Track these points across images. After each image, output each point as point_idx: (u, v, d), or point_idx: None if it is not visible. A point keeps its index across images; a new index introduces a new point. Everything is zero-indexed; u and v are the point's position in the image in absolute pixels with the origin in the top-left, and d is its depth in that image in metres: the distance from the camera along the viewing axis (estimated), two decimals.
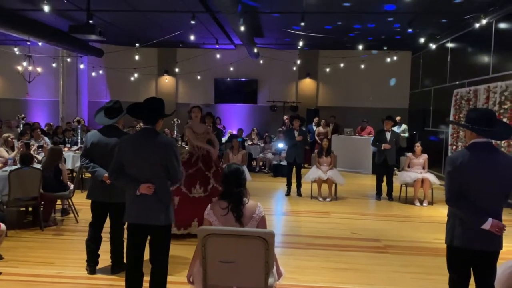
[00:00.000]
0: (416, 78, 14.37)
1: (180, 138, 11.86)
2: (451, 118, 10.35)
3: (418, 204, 8.20)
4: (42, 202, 6.09)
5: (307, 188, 8.73)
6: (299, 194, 8.78)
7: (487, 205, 2.94)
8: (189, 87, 15.97)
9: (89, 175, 9.22)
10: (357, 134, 12.99)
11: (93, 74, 15.01)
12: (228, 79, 15.58)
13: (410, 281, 4.51)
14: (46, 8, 8.16)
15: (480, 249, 2.97)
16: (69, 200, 6.52)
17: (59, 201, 6.67)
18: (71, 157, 8.77)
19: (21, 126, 10.85)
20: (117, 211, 4.15)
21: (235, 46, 14.49)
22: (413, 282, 4.48)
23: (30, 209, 6.52)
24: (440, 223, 6.53)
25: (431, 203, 8.26)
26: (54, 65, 14.12)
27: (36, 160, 7.21)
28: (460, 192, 2.97)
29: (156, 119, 3.47)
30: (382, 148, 8.39)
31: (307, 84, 15.52)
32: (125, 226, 3.88)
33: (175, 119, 13.11)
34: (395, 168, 11.96)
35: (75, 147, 9.70)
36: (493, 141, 3.19)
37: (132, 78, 14.95)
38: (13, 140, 7.79)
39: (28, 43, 12.27)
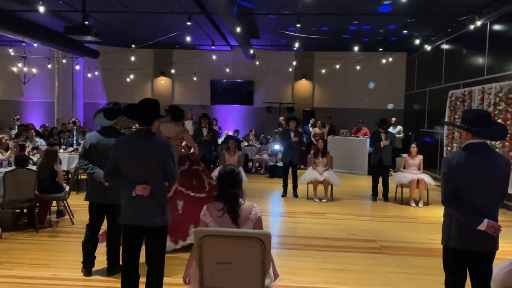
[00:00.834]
0: (411, 79, 14.44)
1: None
2: (446, 119, 10.41)
3: (413, 204, 8.23)
4: (37, 204, 6.06)
5: (303, 189, 8.74)
6: (295, 195, 8.79)
7: (483, 205, 2.96)
8: (185, 88, 15.95)
9: (85, 176, 9.24)
10: (352, 135, 13.02)
11: (89, 75, 14.96)
12: (224, 80, 15.58)
13: (406, 281, 4.53)
14: (41, 9, 8.14)
15: (476, 250, 2.99)
16: (65, 202, 6.49)
17: (54, 203, 6.64)
18: (66, 159, 8.74)
19: (16, 127, 10.79)
20: (114, 212, 4.12)
21: (231, 47, 14.49)
22: (408, 283, 4.49)
23: (25, 210, 6.48)
24: (436, 224, 6.57)
25: (426, 203, 8.29)
26: (49, 66, 14.07)
27: (31, 162, 7.18)
28: (456, 193, 2.98)
29: (152, 120, 3.47)
30: (382, 145, 8.42)
31: (303, 85, 15.55)
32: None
33: None
34: (390, 169, 12.02)
35: (70, 149, 9.66)
36: (488, 142, 3.21)
37: (128, 79, 14.92)
38: (7, 141, 7.75)
39: (23, 44, 12.22)
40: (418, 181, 8.16)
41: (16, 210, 6.52)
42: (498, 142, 7.88)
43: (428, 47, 12.14)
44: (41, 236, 5.76)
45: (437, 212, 7.58)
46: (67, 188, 6.49)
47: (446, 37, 11.23)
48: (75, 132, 10.32)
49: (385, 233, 6.31)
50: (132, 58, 13.66)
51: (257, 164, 12.67)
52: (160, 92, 15.86)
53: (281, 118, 14.21)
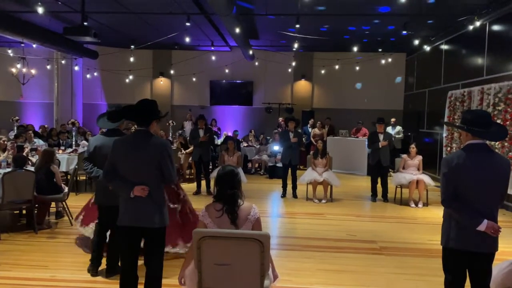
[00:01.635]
0: (410, 80, 14.44)
1: (174, 141, 11.84)
2: (446, 120, 10.41)
3: (413, 205, 8.22)
4: (36, 205, 6.05)
5: (303, 190, 8.73)
6: (294, 196, 8.78)
7: (482, 206, 2.95)
8: (185, 89, 15.95)
9: (84, 178, 9.23)
10: (352, 136, 13.02)
11: (88, 76, 14.95)
12: (224, 81, 15.58)
13: (405, 282, 4.52)
14: (40, 10, 8.12)
15: (475, 251, 2.98)
16: (64, 203, 6.48)
17: (53, 204, 6.63)
18: (65, 160, 8.73)
19: (15, 128, 10.78)
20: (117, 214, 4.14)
21: (230, 48, 14.49)
22: (408, 284, 4.48)
23: (24, 212, 6.47)
24: (435, 225, 6.57)
25: (426, 204, 8.28)
26: (48, 67, 14.05)
27: (30, 163, 7.16)
28: (456, 193, 2.98)
29: (150, 120, 3.45)
30: (380, 146, 8.41)
31: (302, 86, 15.55)
32: None
33: (170, 121, 13.09)
34: (390, 170, 12.02)
35: (69, 149, 9.65)
36: (487, 142, 3.20)
37: (127, 80, 14.92)
38: (5, 142, 7.74)
39: (22, 45, 12.20)
40: (417, 181, 8.16)
41: (15, 211, 6.51)
42: (498, 142, 7.88)
43: (427, 48, 12.14)
44: (40, 238, 5.75)
45: (437, 213, 7.58)
46: (66, 189, 6.48)
47: (445, 37, 11.23)
48: (74, 133, 10.30)
49: (385, 234, 6.30)
50: (131, 59, 13.66)
51: (256, 165, 12.66)
52: (160, 93, 15.85)
53: (280, 118, 14.20)
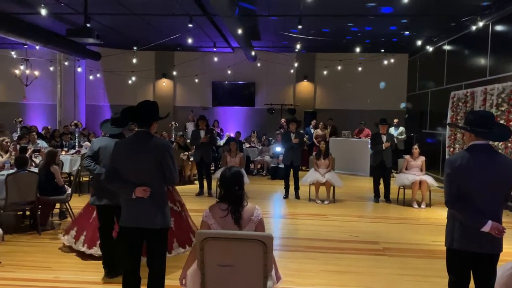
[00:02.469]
0: (413, 80, 14.41)
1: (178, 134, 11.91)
2: (448, 121, 10.38)
3: (416, 206, 8.20)
4: (39, 206, 6.06)
5: (305, 191, 8.72)
6: (297, 196, 8.78)
7: (486, 207, 2.93)
8: (187, 90, 15.97)
9: (87, 179, 9.24)
10: (354, 137, 13.00)
11: (91, 77, 14.99)
12: (226, 82, 15.59)
13: (408, 283, 4.51)
14: (43, 12, 8.15)
15: (479, 252, 2.97)
16: (67, 204, 6.49)
17: (57, 205, 6.64)
18: (68, 161, 8.75)
19: (18, 130, 10.81)
20: (115, 213, 4.16)
21: (232, 49, 14.50)
22: (411, 285, 4.47)
23: (27, 213, 6.48)
24: (438, 225, 6.56)
25: (429, 205, 8.26)
26: (51, 68, 14.10)
27: (33, 164, 7.18)
28: (459, 194, 2.96)
29: (150, 122, 3.48)
30: (384, 147, 8.38)
31: (305, 86, 15.55)
32: None
33: (172, 122, 13.11)
34: (392, 170, 11.99)
35: (72, 151, 9.67)
36: (491, 143, 3.19)
37: (129, 82, 14.95)
38: (8, 143, 7.76)
39: (25, 46, 12.26)
40: (420, 182, 8.14)
41: (18, 213, 6.52)
42: (501, 143, 7.86)
43: (430, 48, 12.12)
44: (43, 238, 5.76)
45: (440, 214, 7.56)
46: (69, 190, 6.50)
47: (448, 38, 11.21)
48: (77, 134, 10.32)
49: (388, 235, 6.29)
50: (134, 60, 13.69)
51: (258, 166, 12.65)
52: (162, 94, 15.88)
53: (283, 119, 14.21)
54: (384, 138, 8.55)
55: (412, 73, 14.53)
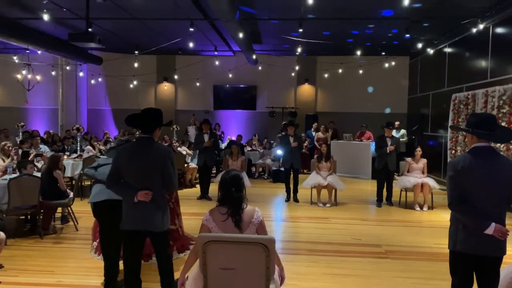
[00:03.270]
0: (414, 83, 14.42)
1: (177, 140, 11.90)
2: (450, 123, 10.38)
3: (418, 208, 8.18)
4: (42, 210, 6.08)
5: (307, 194, 8.72)
6: (295, 199, 8.76)
7: (489, 209, 2.92)
8: (188, 94, 16.01)
9: (88, 183, 9.24)
10: (356, 139, 13.00)
11: (92, 81, 15.05)
12: (227, 85, 15.63)
13: (411, 286, 4.50)
14: (45, 17, 8.21)
15: (483, 254, 2.96)
16: (69, 208, 6.51)
17: (59, 209, 6.66)
18: (70, 165, 8.77)
19: (20, 134, 10.85)
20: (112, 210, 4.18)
21: (233, 52, 14.54)
22: None
23: (29, 217, 6.50)
24: (441, 228, 6.55)
25: (431, 207, 8.25)
26: (53, 73, 14.16)
27: (35, 169, 7.20)
28: (462, 196, 2.95)
29: (153, 128, 3.55)
30: (388, 151, 8.28)
31: (306, 89, 15.57)
32: None
33: (174, 126, 13.13)
34: (395, 173, 11.94)
35: (74, 155, 9.70)
36: (493, 145, 3.20)
37: (131, 86, 15.00)
38: (10, 148, 7.79)
39: (27, 51, 12.31)
40: (422, 185, 8.13)
41: (21, 217, 6.54)
42: (503, 145, 7.86)
43: (430, 51, 12.12)
44: (46, 243, 5.77)
45: (442, 216, 7.55)
46: (71, 194, 6.51)
47: (449, 40, 11.22)
48: (79, 139, 10.35)
49: (390, 238, 6.28)
50: (135, 64, 13.74)
51: (260, 169, 12.65)
52: (164, 98, 15.93)
53: (284, 122, 14.21)
54: (389, 141, 8.44)
55: (413, 76, 14.54)
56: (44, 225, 6.09)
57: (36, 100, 15.09)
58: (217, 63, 14.29)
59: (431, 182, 8.17)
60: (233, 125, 15.67)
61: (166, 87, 15.95)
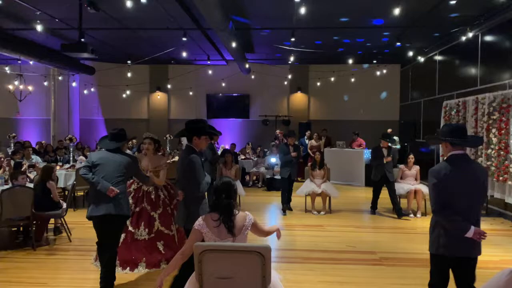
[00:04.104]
0: (405, 90, 14.57)
1: (170, 153, 11.84)
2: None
3: (411, 215, 8.22)
4: (34, 222, 6.02)
5: (301, 202, 8.73)
6: (289, 208, 8.70)
7: (469, 213, 3.13)
8: (182, 103, 16.02)
9: (81, 193, 9.19)
10: (349, 147, 13.07)
11: (85, 91, 15.01)
12: (220, 94, 15.67)
13: None
14: (38, 28, 8.20)
15: (463, 256, 3.17)
16: (62, 219, 6.45)
17: (51, 220, 6.60)
18: (63, 175, 8.71)
19: (12, 145, 10.77)
20: (116, 224, 4.32)
21: (226, 62, 14.61)
22: None
23: (22, 229, 6.43)
24: None
25: (424, 214, 8.29)
26: (45, 83, 14.11)
27: (28, 180, 7.15)
28: (446, 203, 3.13)
29: (190, 137, 4.09)
30: (385, 161, 8.16)
31: (299, 98, 15.66)
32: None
33: (167, 135, 13.12)
34: None
35: (67, 165, 9.64)
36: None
37: (124, 95, 14.98)
38: (1, 159, 7.73)
39: (19, 62, 12.26)
40: (415, 191, 8.19)
41: (13, 229, 6.46)
42: (494, 151, 7.95)
43: (421, 59, 12.29)
44: (39, 254, 5.71)
45: None
46: (64, 205, 6.46)
47: (439, 48, 11.38)
48: (71, 149, 10.30)
49: (384, 245, 6.30)
50: (128, 74, 13.73)
51: (254, 178, 12.66)
52: (156, 108, 15.93)
53: (278, 131, 14.25)
54: (385, 151, 8.33)
55: (405, 84, 14.69)
56: (37, 236, 6.02)
57: (28, 110, 15.00)
58: (210, 72, 14.34)
59: (424, 188, 8.22)
60: (227, 133, 15.67)
61: (159, 97, 15.96)
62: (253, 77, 15.13)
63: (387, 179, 8.25)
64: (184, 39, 9.77)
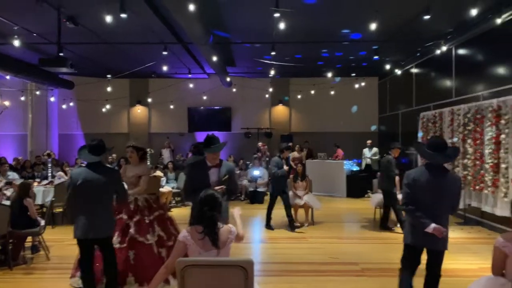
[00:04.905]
0: (383, 102, 14.87)
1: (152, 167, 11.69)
2: (420, 140, 10.72)
3: (392, 226, 8.30)
4: (11, 240, 5.86)
5: (284, 214, 8.72)
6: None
7: (434, 212, 3.63)
8: (162, 117, 15.95)
9: (60, 210, 9.00)
10: (330, 158, 13.23)
11: (64, 106, 14.80)
12: (202, 107, 15.68)
13: None
14: (16, 43, 8.10)
15: (427, 247, 3.74)
16: (40, 237, 6.29)
17: (29, 238, 6.42)
18: (41, 192, 8.52)
19: None
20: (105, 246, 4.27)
21: (207, 75, 14.67)
22: None
23: None
24: None
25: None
26: (22, 98, 13.85)
27: (5, 197, 6.97)
28: (414, 199, 3.68)
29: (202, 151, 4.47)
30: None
31: (280, 110, 15.79)
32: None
33: (148, 149, 12.98)
34: (368, 191, 12.16)
35: (45, 181, 9.44)
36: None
37: (104, 109, 14.82)
38: None
39: None
40: None
41: None
42: (470, 161, 8.15)
43: (398, 72, 12.59)
44: (16, 274, 5.54)
45: None
46: (43, 222, 6.31)
47: (415, 61, 11.69)
48: (50, 165, 10.10)
49: (366, 256, 6.35)
50: (108, 89, 13.61)
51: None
52: (137, 122, 15.82)
53: (260, 143, 14.32)
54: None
55: (383, 96, 15.00)
56: (13, 255, 5.85)
57: (4, 126, 14.63)
58: (191, 85, 14.35)
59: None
60: None
61: (139, 111, 15.85)
62: (234, 90, 15.21)
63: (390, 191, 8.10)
64: (165, 53, 9.79)
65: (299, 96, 15.22)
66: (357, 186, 12.39)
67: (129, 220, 4.89)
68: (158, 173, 10.91)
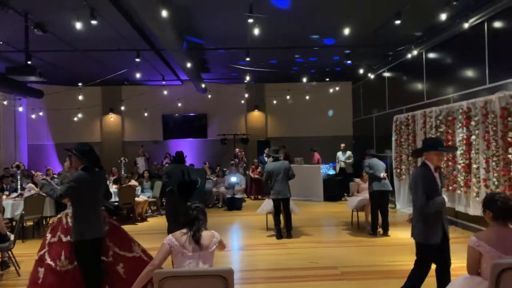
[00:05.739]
0: (357, 106, 15.09)
1: (127, 176, 11.46)
2: (393, 143, 10.92)
3: (369, 229, 8.32)
4: None
5: (262, 220, 8.70)
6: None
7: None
8: (136, 125, 15.70)
9: (31, 223, 8.66)
10: (313, 163, 13.32)
11: (33, 116, 14.36)
12: (176, 114, 15.51)
13: None
14: None
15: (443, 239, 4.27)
16: (9, 252, 6.03)
17: None
18: (10, 205, 8.19)
19: None
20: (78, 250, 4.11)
21: (182, 81, 14.53)
22: None
23: None
24: (394, 246, 6.77)
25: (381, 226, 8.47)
26: None
27: None
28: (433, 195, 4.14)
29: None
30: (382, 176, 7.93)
31: (256, 116, 15.80)
32: None
33: (122, 158, 12.74)
34: (345, 194, 12.26)
35: (14, 194, 9.09)
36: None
37: (75, 119, 14.45)
38: None
39: None
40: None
41: None
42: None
43: (371, 76, 12.80)
44: None
45: (395, 234, 7.80)
46: (12, 237, 6.05)
47: (387, 65, 11.92)
48: (19, 177, 9.74)
49: (345, 259, 6.37)
50: (80, 97, 13.29)
51: (214, 198, 12.50)
52: (110, 130, 15.51)
53: (237, 149, 14.27)
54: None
55: (356, 100, 15.22)
56: None
57: None
58: (165, 92, 14.17)
59: None
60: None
61: (112, 119, 15.54)
62: (209, 96, 15.13)
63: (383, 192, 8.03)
64: (138, 60, 9.64)
65: (274, 102, 15.27)
66: (333, 189, 12.49)
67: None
68: (133, 182, 10.70)
